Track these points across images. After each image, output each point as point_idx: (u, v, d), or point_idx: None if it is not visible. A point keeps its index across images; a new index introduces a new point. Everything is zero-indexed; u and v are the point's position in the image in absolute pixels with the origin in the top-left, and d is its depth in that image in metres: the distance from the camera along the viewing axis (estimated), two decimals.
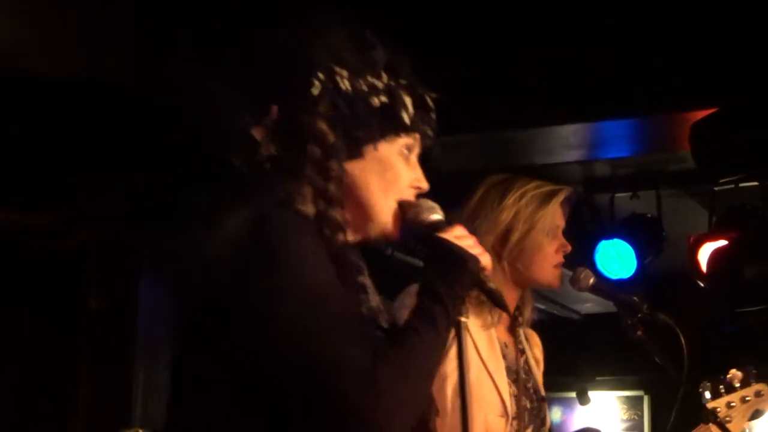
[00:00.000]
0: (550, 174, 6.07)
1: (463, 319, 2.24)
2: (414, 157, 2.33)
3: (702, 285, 5.82)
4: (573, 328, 8.88)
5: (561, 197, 3.36)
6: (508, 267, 3.27)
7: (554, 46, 4.95)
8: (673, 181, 6.34)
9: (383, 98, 2.25)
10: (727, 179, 5.44)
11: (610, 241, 6.35)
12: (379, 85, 2.25)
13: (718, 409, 3.41)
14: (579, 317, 9.11)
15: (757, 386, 3.49)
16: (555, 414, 9.29)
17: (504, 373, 3.23)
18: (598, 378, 9.17)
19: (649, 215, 6.40)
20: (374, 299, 2.27)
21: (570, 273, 3.37)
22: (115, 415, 5.42)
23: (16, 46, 4.42)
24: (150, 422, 5.47)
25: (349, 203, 2.24)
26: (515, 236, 3.27)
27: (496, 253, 3.23)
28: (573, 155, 5.81)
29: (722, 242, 5.71)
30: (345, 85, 2.22)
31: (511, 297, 3.29)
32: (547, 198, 3.32)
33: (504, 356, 3.26)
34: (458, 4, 4.88)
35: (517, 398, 3.25)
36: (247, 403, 2.05)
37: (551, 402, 9.17)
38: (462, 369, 2.24)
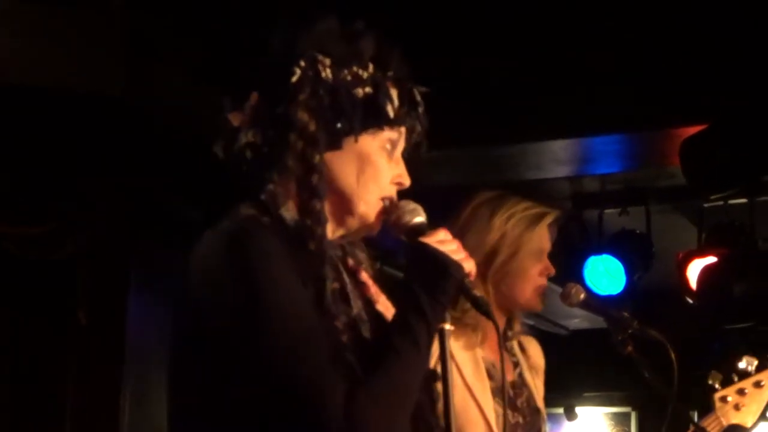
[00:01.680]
0: (540, 189, 6.12)
1: (447, 326, 2.16)
2: (398, 153, 2.28)
3: (691, 301, 5.83)
4: (561, 344, 8.87)
5: (548, 220, 3.32)
6: (492, 289, 3.24)
7: (544, 61, 4.96)
8: (663, 197, 6.35)
9: (367, 89, 2.21)
10: (717, 196, 5.45)
11: (599, 257, 6.35)
12: (364, 75, 2.21)
13: (728, 397, 3.40)
14: (567, 333, 9.11)
15: None
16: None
17: (489, 394, 3.20)
18: (585, 394, 9.17)
19: (638, 231, 6.40)
20: (356, 306, 2.21)
21: (560, 289, 3.36)
22: (103, 426, 5.40)
23: (8, 58, 4.42)
24: None
25: (329, 195, 2.19)
26: (500, 259, 3.24)
27: (481, 274, 3.20)
28: (562, 171, 5.81)
29: (711, 259, 5.72)
30: (327, 73, 2.18)
31: (498, 319, 3.28)
32: (535, 221, 3.29)
33: (491, 377, 3.22)
34: (445, 20, 4.88)
35: (504, 417, 3.22)
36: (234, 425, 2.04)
37: None
38: (446, 377, 2.15)
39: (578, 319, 8.51)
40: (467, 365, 3.18)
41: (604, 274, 6.35)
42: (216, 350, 2.03)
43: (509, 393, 3.29)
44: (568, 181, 6.24)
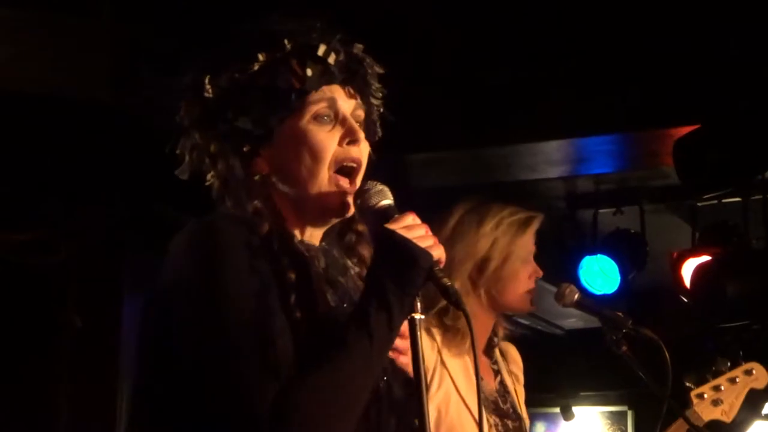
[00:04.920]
0: (534, 190, 6.13)
1: (417, 316, 2.03)
2: (343, 111, 2.19)
3: (685, 300, 5.84)
4: (557, 344, 8.89)
5: (536, 226, 3.36)
6: (484, 294, 3.28)
7: (537, 62, 4.97)
8: (656, 197, 6.36)
9: (262, 79, 2.16)
10: (710, 195, 5.46)
11: (594, 256, 6.37)
12: (255, 67, 2.17)
13: (705, 394, 3.43)
14: (563, 333, 9.11)
15: (746, 366, 3.50)
16: (539, 429, 9.29)
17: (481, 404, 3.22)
18: (581, 393, 9.17)
19: (633, 231, 6.42)
20: (333, 299, 2.14)
21: (554, 289, 3.38)
22: (99, 429, 5.40)
23: (1, 65, 4.42)
24: None
25: (281, 196, 2.18)
26: (492, 265, 3.28)
27: (473, 281, 3.25)
28: (556, 171, 5.82)
29: (705, 258, 5.73)
30: (209, 91, 2.17)
31: (488, 323, 3.33)
32: (523, 226, 3.33)
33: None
34: (440, 23, 4.89)
35: (497, 426, 3.25)
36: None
37: (535, 417, 9.20)
38: (417, 367, 2.02)
39: (574, 319, 8.52)
40: (459, 375, 3.21)
41: (599, 273, 6.36)
42: (167, 342, 2.03)
43: (499, 397, 3.31)
44: (562, 181, 6.26)
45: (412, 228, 2.07)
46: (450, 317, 3.17)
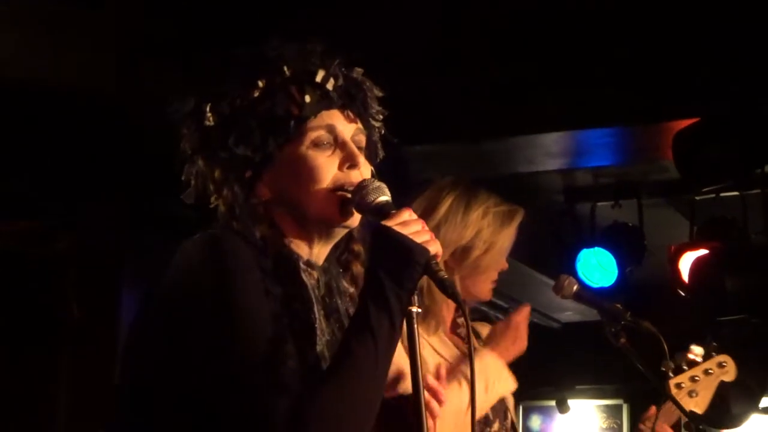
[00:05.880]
0: (532, 183, 6.13)
1: (414, 309, 2.07)
2: (343, 136, 2.23)
3: (683, 294, 5.84)
4: (553, 337, 8.89)
5: (518, 220, 3.36)
6: (458, 282, 3.26)
7: (535, 55, 4.97)
8: (655, 191, 6.37)
9: (262, 106, 2.20)
10: (709, 189, 5.47)
11: (592, 249, 6.37)
12: (255, 94, 2.21)
13: (682, 384, 3.45)
14: (559, 326, 9.12)
15: (718, 358, 3.53)
16: (534, 422, 9.29)
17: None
18: (577, 386, 9.18)
19: (631, 224, 6.42)
20: (327, 332, 2.17)
21: (552, 281, 3.39)
22: (97, 420, 5.39)
23: (4, 54, 4.41)
24: None
25: (283, 215, 2.21)
26: (474, 254, 3.28)
27: (448, 268, 3.21)
28: (554, 164, 5.82)
29: (703, 252, 5.73)
30: (209, 120, 2.21)
31: (452, 306, 3.30)
32: (507, 219, 3.33)
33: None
34: (439, 16, 4.89)
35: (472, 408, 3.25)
36: None
37: (531, 410, 9.20)
38: (414, 360, 2.06)
39: (570, 312, 8.53)
40: (438, 346, 3.22)
41: (597, 266, 6.36)
42: (167, 346, 2.04)
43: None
44: (560, 174, 6.26)
45: (408, 224, 2.10)
46: (426, 297, 3.14)
